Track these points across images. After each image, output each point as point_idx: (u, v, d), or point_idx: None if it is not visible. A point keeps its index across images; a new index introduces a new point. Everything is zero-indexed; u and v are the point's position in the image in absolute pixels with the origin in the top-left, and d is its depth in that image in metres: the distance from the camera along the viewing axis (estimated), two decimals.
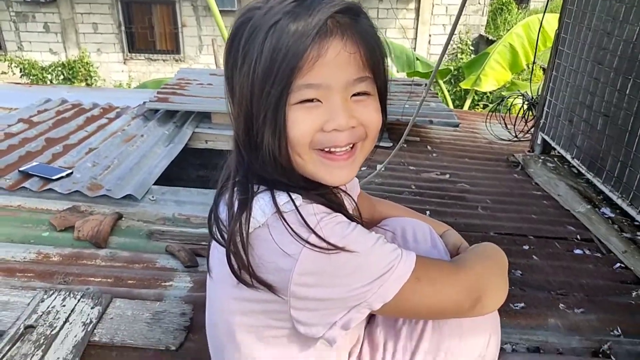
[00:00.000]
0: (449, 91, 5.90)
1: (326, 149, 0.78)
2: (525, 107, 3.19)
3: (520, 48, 5.05)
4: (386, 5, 10.71)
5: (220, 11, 9.93)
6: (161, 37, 11.40)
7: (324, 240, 0.73)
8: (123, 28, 11.23)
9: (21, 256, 1.74)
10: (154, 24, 11.27)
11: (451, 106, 5.79)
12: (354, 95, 0.78)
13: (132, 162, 2.47)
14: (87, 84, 10.64)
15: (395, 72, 5.04)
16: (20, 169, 2.25)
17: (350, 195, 0.91)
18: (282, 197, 0.77)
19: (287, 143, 0.76)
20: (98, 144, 2.67)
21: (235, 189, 0.81)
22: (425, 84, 3.80)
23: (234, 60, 0.78)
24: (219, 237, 0.81)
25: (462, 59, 9.00)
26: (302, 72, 0.72)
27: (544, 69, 8.18)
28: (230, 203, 0.80)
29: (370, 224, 1.18)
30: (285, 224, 0.74)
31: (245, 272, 0.77)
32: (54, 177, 2.19)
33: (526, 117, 3.22)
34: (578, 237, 2.23)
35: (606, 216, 2.36)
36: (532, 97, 3.17)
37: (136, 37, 11.40)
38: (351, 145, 0.81)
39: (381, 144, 2.87)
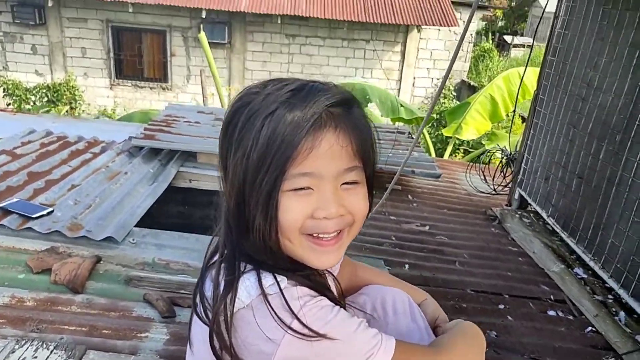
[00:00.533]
0: (430, 134, 6.06)
1: (315, 235, 0.81)
2: (504, 161, 3.28)
3: (500, 99, 5.23)
4: (373, 47, 11.01)
5: (210, 43, 10.10)
6: (149, 65, 11.47)
7: (307, 327, 0.75)
8: (112, 54, 11.28)
9: None
10: (143, 51, 11.35)
11: (432, 150, 5.92)
12: (344, 183, 0.81)
13: (114, 201, 2.46)
14: (72, 108, 10.58)
15: (379, 116, 5.16)
16: (0, 205, 2.23)
17: (333, 275, 0.94)
18: (267, 279, 0.79)
19: (277, 228, 0.79)
20: (81, 180, 2.66)
21: (223, 265, 0.84)
22: (409, 133, 3.90)
23: (230, 142, 0.81)
24: (203, 315, 0.83)
25: (444, 103, 9.26)
26: (296, 161, 0.75)
27: (523, 118, 8.44)
28: (216, 282, 0.82)
29: (351, 290, 1.20)
30: (269, 307, 0.76)
31: (226, 352, 0.78)
32: (34, 216, 2.17)
33: (504, 171, 3.31)
34: (552, 297, 2.28)
35: (579, 277, 2.42)
36: (511, 153, 3.28)
37: (124, 64, 11.45)
38: (338, 231, 0.84)
39: None
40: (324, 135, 0.76)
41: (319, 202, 0.79)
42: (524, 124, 3.35)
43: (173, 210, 3.87)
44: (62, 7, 10.91)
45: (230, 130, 0.81)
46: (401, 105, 4.91)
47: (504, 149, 3.32)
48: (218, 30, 10.77)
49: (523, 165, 3.09)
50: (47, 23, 11.04)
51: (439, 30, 10.81)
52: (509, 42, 15.52)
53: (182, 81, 11.44)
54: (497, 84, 5.29)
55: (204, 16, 10.49)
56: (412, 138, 3.83)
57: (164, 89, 11.46)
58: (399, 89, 11.26)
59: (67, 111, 10.34)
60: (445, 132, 5.42)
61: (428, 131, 5.66)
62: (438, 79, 11.00)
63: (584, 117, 2.54)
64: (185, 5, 10.08)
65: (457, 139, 6.31)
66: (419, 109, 10.64)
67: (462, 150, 6.71)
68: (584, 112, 2.54)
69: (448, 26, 10.12)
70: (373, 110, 5.09)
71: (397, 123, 5.00)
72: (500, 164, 3.34)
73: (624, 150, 2.21)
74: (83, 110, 10.87)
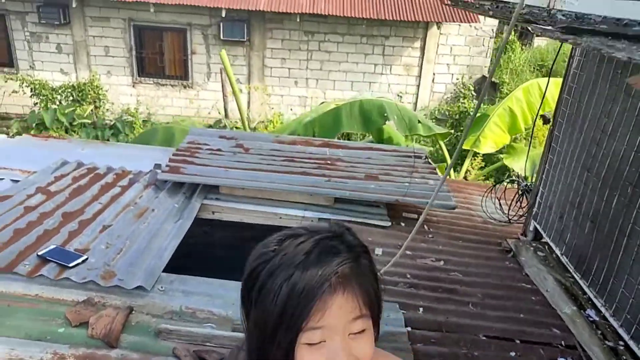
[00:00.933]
0: (446, 146, 6.09)
1: None
2: (520, 192, 3.33)
3: (519, 112, 5.22)
4: (392, 43, 10.96)
5: (230, 41, 10.20)
6: (170, 63, 11.64)
7: None
8: (134, 52, 11.48)
9: (38, 357, 1.86)
10: (165, 50, 11.53)
11: (449, 161, 5.92)
12: (352, 333, 0.92)
13: (142, 243, 2.61)
14: (96, 107, 10.85)
15: (397, 131, 5.21)
16: (39, 253, 2.38)
17: None
18: None
19: None
20: (111, 220, 2.81)
21: None
22: (426, 156, 3.95)
23: (250, 296, 0.93)
24: None
25: (463, 103, 9.20)
26: (310, 322, 0.87)
27: (543, 118, 8.34)
28: None
29: None
30: None
31: None
32: (70, 265, 2.32)
33: (520, 201, 3.36)
34: (562, 343, 2.35)
35: (590, 319, 2.48)
36: (527, 184, 3.32)
37: (146, 62, 11.64)
38: None
39: (379, 223, 3.02)
40: (334, 300, 0.87)
41: (330, 353, 0.90)
42: (544, 139, 3.35)
43: (197, 231, 4.04)
44: (86, 7, 11.13)
45: (250, 285, 0.92)
46: (419, 122, 4.96)
47: (519, 179, 3.36)
48: (237, 28, 10.86)
49: (538, 198, 3.13)
50: (72, 22, 11.28)
51: (460, 25, 10.68)
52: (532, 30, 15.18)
53: (202, 79, 11.59)
54: (516, 95, 5.28)
55: (223, 15, 10.57)
56: (430, 163, 3.89)
57: (185, 86, 11.63)
58: (419, 85, 11.21)
59: (91, 110, 10.63)
60: (463, 145, 5.44)
61: (446, 143, 5.69)
62: (458, 77, 10.90)
63: (597, 162, 2.57)
64: (206, 5, 10.18)
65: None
66: (437, 110, 10.59)
67: (480, 156, 6.71)
68: (597, 157, 2.57)
69: (469, 22, 10.00)
70: (391, 126, 5.16)
71: (414, 140, 5.03)
72: (517, 193, 3.39)
73: (636, 203, 2.25)
74: (107, 109, 11.13)
